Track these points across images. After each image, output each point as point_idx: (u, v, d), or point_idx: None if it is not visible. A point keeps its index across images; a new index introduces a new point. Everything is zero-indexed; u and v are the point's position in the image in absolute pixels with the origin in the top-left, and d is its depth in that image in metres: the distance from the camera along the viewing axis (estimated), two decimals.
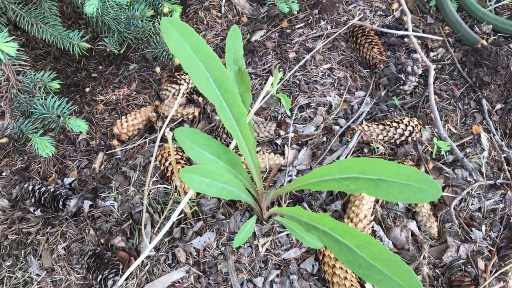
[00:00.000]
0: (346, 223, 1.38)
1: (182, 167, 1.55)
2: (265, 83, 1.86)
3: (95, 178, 1.68)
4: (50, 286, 1.40)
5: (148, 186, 1.56)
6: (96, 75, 2.09)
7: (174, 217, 1.31)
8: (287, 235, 1.42)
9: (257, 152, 1.64)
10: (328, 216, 1.09)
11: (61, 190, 1.59)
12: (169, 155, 1.59)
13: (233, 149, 1.39)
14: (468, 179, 1.52)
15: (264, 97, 1.39)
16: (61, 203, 1.55)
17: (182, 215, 1.48)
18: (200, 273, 1.38)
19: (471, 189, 1.49)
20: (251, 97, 1.31)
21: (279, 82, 1.85)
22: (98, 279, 1.35)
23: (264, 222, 1.45)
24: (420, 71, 1.78)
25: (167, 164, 1.57)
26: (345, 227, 1.05)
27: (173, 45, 1.13)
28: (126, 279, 1.37)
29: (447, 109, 1.77)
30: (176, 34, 1.13)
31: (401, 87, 1.78)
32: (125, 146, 1.77)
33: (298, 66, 1.85)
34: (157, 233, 1.45)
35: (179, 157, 1.60)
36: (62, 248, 1.48)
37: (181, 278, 1.38)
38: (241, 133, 1.27)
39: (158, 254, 1.42)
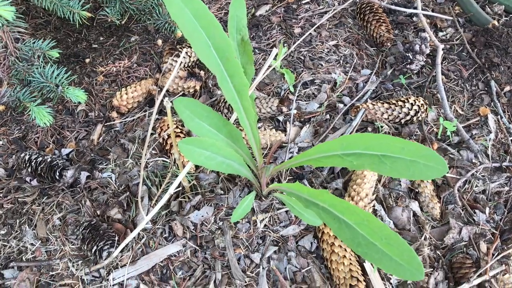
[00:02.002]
0: (347, 201, 1.35)
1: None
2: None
3: (93, 150, 1.66)
4: (45, 256, 1.39)
5: (145, 158, 1.54)
6: (96, 46, 2.05)
7: (172, 190, 1.28)
8: (286, 211, 1.40)
9: (259, 128, 1.61)
10: (328, 193, 1.06)
11: (58, 160, 1.57)
12: (168, 127, 1.56)
13: (233, 122, 1.35)
14: (473, 161, 1.49)
15: (267, 70, 1.35)
16: (57, 174, 1.52)
17: (180, 188, 1.45)
18: (197, 247, 1.36)
19: (476, 171, 1.46)
20: (254, 69, 1.27)
21: (283, 57, 1.81)
22: (93, 250, 1.33)
23: (263, 198, 1.42)
24: (428, 51, 1.73)
25: (166, 136, 1.54)
26: (345, 204, 1.02)
27: (174, 11, 1.08)
28: (121, 251, 1.35)
29: (454, 90, 1.72)
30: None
31: (408, 66, 1.74)
32: (125, 119, 1.74)
33: (302, 39, 1.80)
34: (155, 206, 1.43)
35: (179, 130, 1.56)
36: (58, 219, 1.46)
37: (177, 251, 1.36)
38: (242, 106, 1.23)
39: (155, 227, 1.40)
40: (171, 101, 1.42)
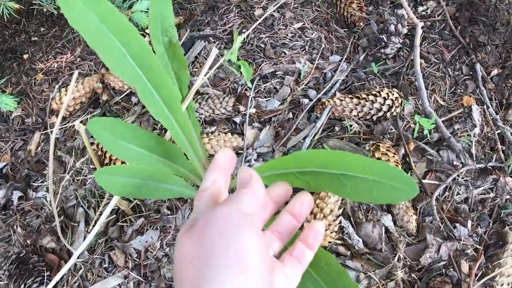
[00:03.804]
0: (309, 220, 1.18)
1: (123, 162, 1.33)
2: (225, 48, 1.60)
3: (30, 163, 1.47)
4: None
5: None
6: (36, 38, 1.83)
7: (104, 217, 1.11)
8: None
9: (212, 132, 1.42)
10: None
11: None
12: None
13: (171, 138, 1.16)
14: (455, 162, 1.30)
15: (208, 72, 1.15)
16: None
17: (120, 211, 1.28)
18: (141, 279, 1.19)
19: (458, 175, 1.28)
20: (189, 74, 1.07)
21: (241, 45, 1.59)
22: None
23: None
24: (405, 31, 1.52)
25: (104, 149, 1.35)
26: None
27: (74, 16, 0.87)
28: (54, 287, 1.18)
29: (435, 76, 1.52)
30: (78, 2, 0.87)
31: (382, 50, 1.53)
32: (65, 124, 1.54)
33: (257, 23, 1.58)
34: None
35: None
36: None
37: (118, 284, 1.19)
38: (176, 120, 1.03)
39: (93, 256, 1.23)
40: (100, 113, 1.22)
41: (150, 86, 0.96)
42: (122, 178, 0.96)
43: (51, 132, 1.52)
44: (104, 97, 1.59)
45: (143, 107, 1.53)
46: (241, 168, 0.42)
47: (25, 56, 1.76)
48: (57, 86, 1.63)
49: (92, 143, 1.44)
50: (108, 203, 1.27)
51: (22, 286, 1.16)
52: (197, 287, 0.35)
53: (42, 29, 1.86)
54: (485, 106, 1.42)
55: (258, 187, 0.42)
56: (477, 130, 1.37)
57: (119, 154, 1.02)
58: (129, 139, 1.03)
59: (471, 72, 1.52)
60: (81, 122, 1.52)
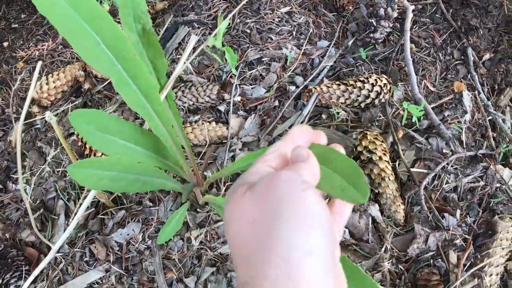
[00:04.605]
0: None
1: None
2: (209, 33, 1.56)
3: (10, 154, 1.43)
4: None
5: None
6: (17, 25, 1.77)
7: (82, 210, 1.07)
8: None
9: (196, 121, 1.38)
10: None
11: None
12: None
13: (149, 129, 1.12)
14: (445, 150, 1.27)
15: (187, 60, 1.11)
16: None
17: (101, 203, 1.24)
18: (123, 272, 1.16)
19: (447, 163, 1.24)
20: (166, 62, 1.02)
21: (225, 31, 1.54)
22: None
23: (199, 209, 1.22)
24: (395, 14, 1.47)
25: (84, 140, 1.31)
26: None
27: (43, 3, 0.83)
28: (34, 282, 1.16)
29: (425, 61, 1.48)
30: None
31: (371, 34, 1.48)
32: (45, 114, 1.49)
33: (242, 4, 1.53)
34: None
35: None
36: None
37: (100, 278, 1.16)
38: (154, 111, 1.00)
39: (74, 250, 1.20)
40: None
41: (126, 76, 0.93)
42: (98, 171, 0.93)
43: (35, 118, 1.48)
44: (86, 86, 1.54)
45: None
46: (299, 147, 0.43)
47: (5, 44, 1.71)
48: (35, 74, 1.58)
49: (72, 134, 1.40)
50: (88, 195, 1.24)
51: (0, 281, 1.13)
52: (264, 245, 0.35)
53: (22, 15, 1.81)
54: (476, 92, 1.39)
55: (315, 163, 0.42)
56: (467, 117, 1.33)
57: (103, 148, 0.99)
58: (112, 132, 0.99)
59: (462, 57, 1.48)
60: (63, 111, 1.49)
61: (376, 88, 1.32)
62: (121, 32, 0.89)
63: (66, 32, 0.85)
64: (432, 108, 1.33)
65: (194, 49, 1.42)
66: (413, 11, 1.49)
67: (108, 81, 1.53)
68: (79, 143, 1.33)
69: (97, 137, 0.98)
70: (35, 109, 1.51)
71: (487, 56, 1.46)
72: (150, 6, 1.67)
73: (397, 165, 1.25)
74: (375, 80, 1.33)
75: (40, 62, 0.84)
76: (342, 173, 0.47)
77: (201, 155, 1.30)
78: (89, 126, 0.97)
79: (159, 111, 1.00)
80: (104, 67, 0.90)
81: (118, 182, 0.96)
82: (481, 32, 1.50)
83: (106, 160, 0.94)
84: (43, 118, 1.49)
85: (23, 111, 0.81)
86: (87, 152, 1.30)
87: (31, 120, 1.49)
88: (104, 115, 1.01)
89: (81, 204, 1.21)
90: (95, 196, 1.19)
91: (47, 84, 1.50)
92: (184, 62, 1.06)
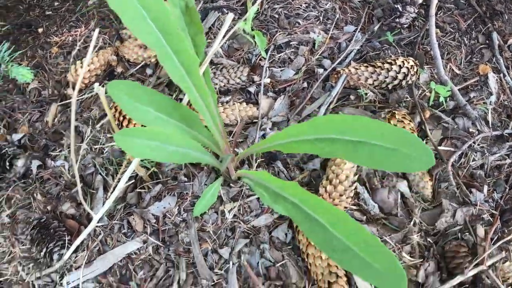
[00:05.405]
0: (325, 185, 1.19)
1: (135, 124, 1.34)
2: (238, 19, 1.60)
3: (47, 134, 1.49)
4: None
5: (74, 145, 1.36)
6: (50, 12, 1.83)
7: (122, 183, 1.13)
8: (258, 199, 1.24)
9: (227, 102, 1.42)
10: (298, 186, 0.90)
11: (7, 148, 1.40)
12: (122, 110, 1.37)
13: (188, 103, 1.17)
14: (471, 129, 1.30)
15: (223, 38, 1.15)
16: (7, 163, 1.37)
17: (138, 178, 1.29)
18: (159, 243, 1.21)
19: (474, 142, 1.28)
20: (205, 39, 1.07)
21: (254, 16, 1.59)
22: (43, 252, 1.19)
23: (232, 184, 1.26)
24: (420, 0, 1.50)
25: (121, 118, 1.36)
26: (317, 200, 0.87)
27: None
28: (75, 251, 1.21)
29: (450, 45, 1.51)
30: None
31: (397, 19, 1.52)
32: (82, 95, 1.55)
33: None
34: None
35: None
36: (7, 216, 1.31)
37: (137, 249, 1.21)
38: (194, 85, 1.05)
39: (112, 222, 1.25)
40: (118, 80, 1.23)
41: (170, 50, 0.98)
42: (141, 140, 0.97)
43: (70, 100, 1.54)
44: (119, 69, 1.60)
45: (158, 78, 1.54)
46: None
47: (40, 30, 1.77)
48: (72, 58, 1.64)
49: (105, 115, 1.46)
50: (126, 170, 1.29)
51: (44, 249, 1.19)
52: None
53: (56, 3, 1.87)
54: (501, 75, 1.41)
55: None
56: (493, 98, 1.36)
57: (137, 117, 1.04)
58: (147, 103, 1.05)
59: (487, 41, 1.50)
60: (96, 94, 1.54)
61: (403, 70, 1.35)
62: (166, 7, 0.94)
63: (114, 4, 0.91)
64: (458, 90, 1.36)
65: (227, 31, 1.47)
66: None
67: (140, 64, 1.59)
68: (116, 122, 1.38)
69: (132, 107, 1.04)
70: (69, 91, 1.57)
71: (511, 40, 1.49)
72: None
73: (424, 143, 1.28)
74: (402, 62, 1.37)
75: (97, 30, 0.88)
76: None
77: (232, 134, 1.35)
78: (125, 96, 1.02)
79: (198, 85, 1.05)
80: (149, 39, 0.96)
81: (159, 152, 1.01)
82: (506, 17, 1.52)
83: (149, 130, 0.99)
84: (79, 99, 1.55)
85: (80, 77, 0.85)
86: (124, 126, 1.35)
87: (66, 101, 1.55)
88: (139, 86, 1.06)
89: (120, 179, 1.26)
90: (133, 170, 1.24)
91: (81, 67, 1.56)
92: (222, 39, 1.10)
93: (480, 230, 1.15)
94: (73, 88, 1.57)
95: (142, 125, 1.24)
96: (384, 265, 0.75)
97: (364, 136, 0.87)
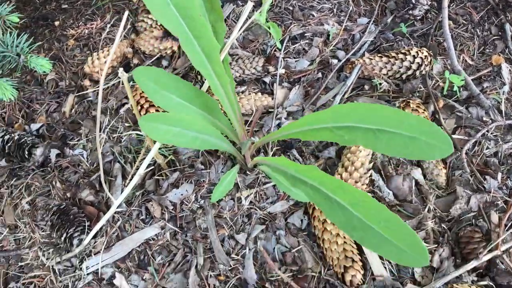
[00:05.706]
0: (340, 173, 1.21)
1: (157, 111, 1.36)
2: (254, 11, 1.62)
3: (65, 123, 1.51)
4: (13, 245, 1.28)
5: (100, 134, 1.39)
6: (66, 6, 1.86)
7: (142, 169, 1.15)
8: (273, 186, 1.26)
9: (243, 92, 1.44)
10: (317, 169, 0.92)
11: (26, 138, 1.43)
12: (141, 97, 1.40)
13: (206, 91, 1.19)
14: (484, 118, 1.31)
15: (242, 26, 1.17)
16: (26, 152, 1.40)
17: (156, 165, 1.32)
18: (177, 229, 1.23)
19: (487, 131, 1.29)
20: (225, 27, 1.09)
21: (269, 8, 1.61)
22: (63, 237, 1.21)
23: (248, 172, 1.28)
24: None
25: (139, 107, 1.38)
26: (337, 181, 0.88)
27: None
28: (94, 237, 1.23)
29: (463, 36, 1.52)
30: None
31: (410, 11, 1.53)
32: (98, 87, 1.58)
33: None
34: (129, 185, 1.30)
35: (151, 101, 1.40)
36: (27, 203, 1.34)
37: (155, 235, 1.24)
38: (214, 71, 1.07)
39: (130, 208, 1.27)
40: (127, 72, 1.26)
41: (191, 36, 1.00)
42: (164, 126, 0.99)
43: (87, 91, 1.56)
44: (135, 61, 1.62)
45: (174, 69, 1.56)
46: None
47: (56, 23, 1.80)
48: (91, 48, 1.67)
49: (125, 104, 1.48)
50: (144, 158, 1.31)
51: (64, 235, 1.21)
52: None
53: None
54: None
55: None
56: (506, 88, 1.37)
57: (160, 103, 1.07)
58: (171, 90, 1.07)
59: (500, 33, 1.52)
60: (113, 85, 1.57)
61: (417, 60, 1.37)
62: None
63: None
64: (471, 80, 1.37)
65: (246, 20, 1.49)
66: None
67: (156, 56, 1.61)
68: (134, 111, 1.40)
69: (155, 93, 1.06)
70: (86, 82, 1.60)
71: None
72: None
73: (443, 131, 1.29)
74: (416, 52, 1.38)
75: (126, 12, 0.91)
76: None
77: (248, 123, 1.37)
78: (150, 82, 1.05)
79: (218, 72, 1.07)
80: (172, 26, 0.98)
81: (180, 138, 1.03)
82: None
83: (172, 116, 1.01)
84: (95, 90, 1.57)
85: (105, 68, 0.87)
86: (143, 113, 1.37)
87: (83, 92, 1.58)
88: (164, 73, 1.09)
89: (138, 166, 1.29)
90: (152, 158, 1.26)
91: (98, 59, 1.58)
92: (246, 25, 1.12)
93: (494, 216, 1.17)
94: (90, 80, 1.60)
95: (163, 111, 1.26)
96: (406, 242, 0.77)
97: (383, 124, 0.89)
